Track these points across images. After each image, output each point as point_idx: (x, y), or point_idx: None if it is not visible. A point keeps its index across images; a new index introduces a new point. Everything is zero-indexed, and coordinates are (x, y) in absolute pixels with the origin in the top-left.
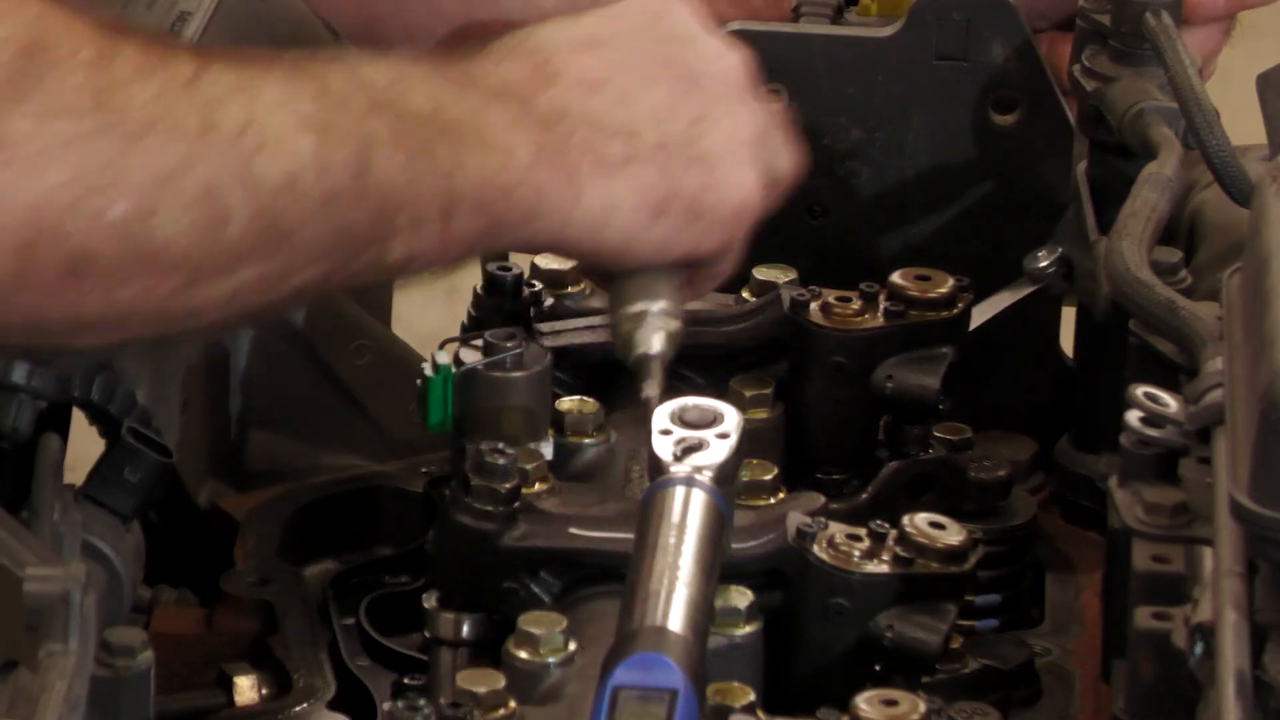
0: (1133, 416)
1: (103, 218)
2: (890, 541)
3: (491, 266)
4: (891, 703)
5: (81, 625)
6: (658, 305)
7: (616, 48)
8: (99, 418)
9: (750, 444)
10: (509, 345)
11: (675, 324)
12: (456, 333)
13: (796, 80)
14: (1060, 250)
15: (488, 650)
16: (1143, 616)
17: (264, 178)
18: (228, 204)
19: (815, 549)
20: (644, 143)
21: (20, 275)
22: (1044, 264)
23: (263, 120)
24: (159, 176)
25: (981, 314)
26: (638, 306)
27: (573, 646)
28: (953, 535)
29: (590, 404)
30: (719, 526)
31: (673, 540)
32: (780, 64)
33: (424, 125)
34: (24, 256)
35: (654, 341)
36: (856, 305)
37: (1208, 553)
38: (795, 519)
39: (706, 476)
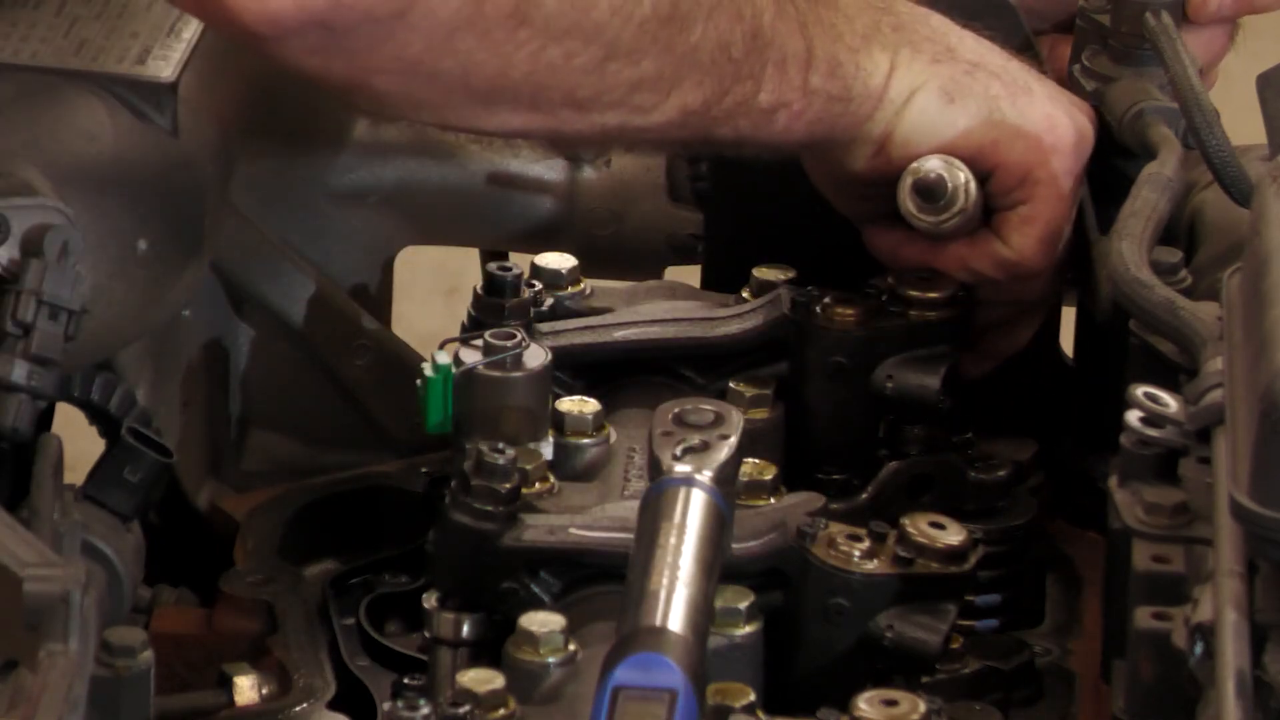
0: (1133, 416)
1: None
2: (890, 541)
3: (492, 266)
4: (891, 703)
5: (81, 625)
6: None
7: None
8: (99, 418)
9: (750, 444)
10: (509, 345)
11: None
12: (456, 333)
13: None
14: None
15: (488, 650)
16: (1143, 616)
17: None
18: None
19: (815, 549)
20: (960, 55)
21: (474, 4)
22: None
23: None
24: None
25: None
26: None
27: (573, 646)
28: (953, 535)
29: (590, 404)
30: (719, 526)
31: (673, 540)
32: None
33: None
34: None
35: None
36: (856, 305)
37: (1208, 553)
38: (795, 519)
39: (706, 476)
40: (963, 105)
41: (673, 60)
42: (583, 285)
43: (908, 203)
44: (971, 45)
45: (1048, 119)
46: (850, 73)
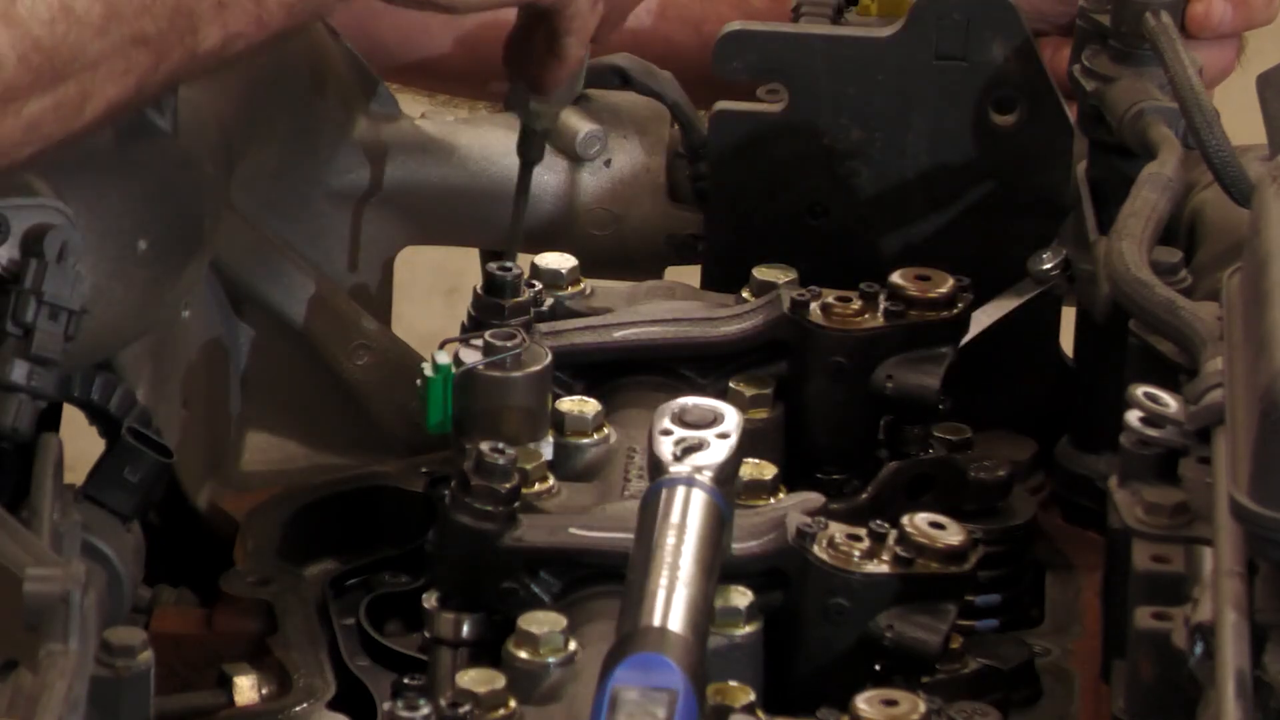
0: (1133, 416)
1: None
2: (890, 541)
3: (492, 266)
4: (891, 703)
5: (81, 625)
6: None
7: None
8: (99, 418)
9: (750, 444)
10: (509, 345)
11: None
12: (456, 333)
13: (796, 80)
14: (1064, 252)
15: (488, 650)
16: (1143, 616)
17: (31, 11)
18: None
19: (815, 549)
20: None
21: None
22: (1048, 265)
23: None
24: None
25: (987, 316)
26: None
27: (573, 646)
28: (953, 535)
29: (590, 404)
30: (719, 526)
31: (673, 540)
32: (780, 64)
33: None
34: None
35: None
36: (856, 305)
37: (1208, 553)
38: (795, 519)
39: (706, 476)
40: None
41: (71, 86)
42: (583, 285)
43: None
44: None
45: None
46: None
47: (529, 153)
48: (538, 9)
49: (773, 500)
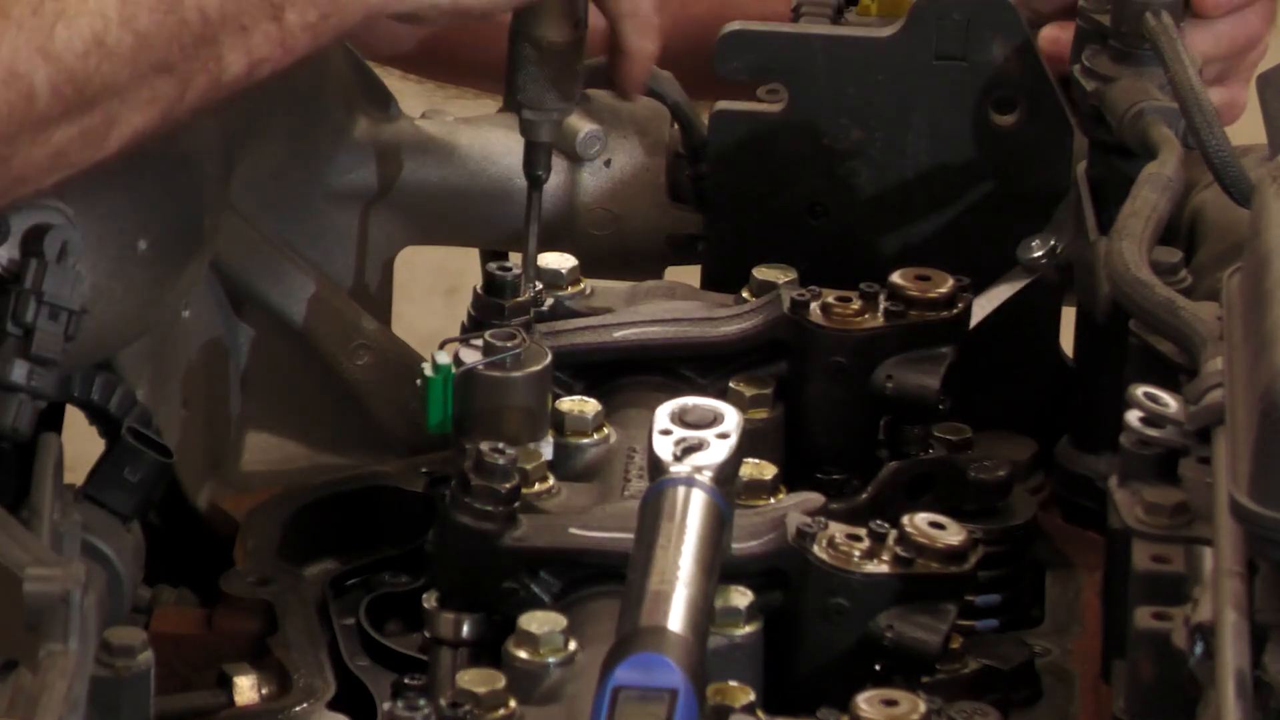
0: (1133, 416)
1: None
2: (890, 541)
3: (492, 266)
4: (891, 703)
5: (81, 625)
6: None
7: None
8: (99, 418)
9: (750, 444)
10: (509, 345)
11: None
12: (456, 333)
13: (796, 80)
14: (1053, 240)
15: (488, 650)
16: (1143, 616)
17: (68, 44)
18: (31, 79)
19: (815, 549)
20: None
21: None
22: (1037, 253)
23: None
24: None
25: (980, 308)
26: None
27: (573, 646)
28: (953, 535)
29: (590, 404)
30: (719, 526)
31: (673, 540)
32: (780, 64)
33: None
34: None
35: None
36: (856, 305)
37: (1208, 553)
38: (795, 519)
39: (706, 476)
40: None
41: (99, 114)
42: (583, 285)
43: None
44: None
45: None
46: None
47: (535, 168)
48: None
49: (773, 500)
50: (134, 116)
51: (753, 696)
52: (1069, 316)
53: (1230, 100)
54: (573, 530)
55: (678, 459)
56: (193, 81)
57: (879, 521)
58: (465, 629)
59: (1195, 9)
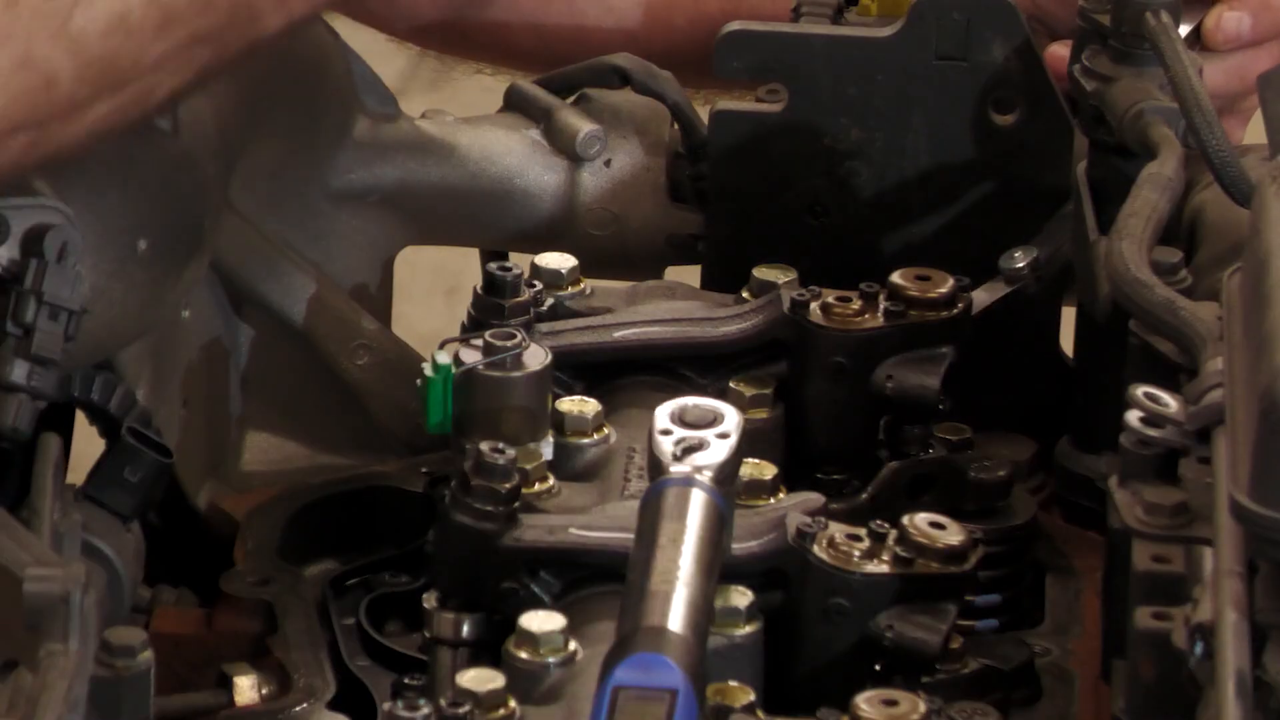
0: (1133, 416)
1: None
2: (890, 541)
3: (492, 266)
4: (891, 703)
5: (81, 625)
6: None
7: None
8: (99, 418)
9: (750, 444)
10: (509, 345)
11: None
12: (456, 333)
13: (796, 80)
14: (1036, 252)
15: (488, 650)
16: (1143, 616)
17: (85, 28)
18: (51, 66)
19: (815, 549)
20: None
21: None
22: (1019, 264)
23: None
24: None
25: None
26: None
27: (573, 646)
28: (953, 535)
29: (590, 404)
30: (719, 526)
31: (673, 540)
32: (780, 64)
33: None
34: None
35: None
36: (856, 305)
37: (1208, 553)
38: (795, 519)
39: (706, 476)
40: None
41: (134, 88)
42: (583, 285)
43: None
44: None
45: None
46: None
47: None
48: None
49: (773, 500)
50: (169, 82)
51: (753, 696)
52: (1069, 316)
53: None
54: (573, 530)
55: (678, 459)
56: (230, 46)
57: (879, 521)
58: (465, 629)
59: (1204, 42)
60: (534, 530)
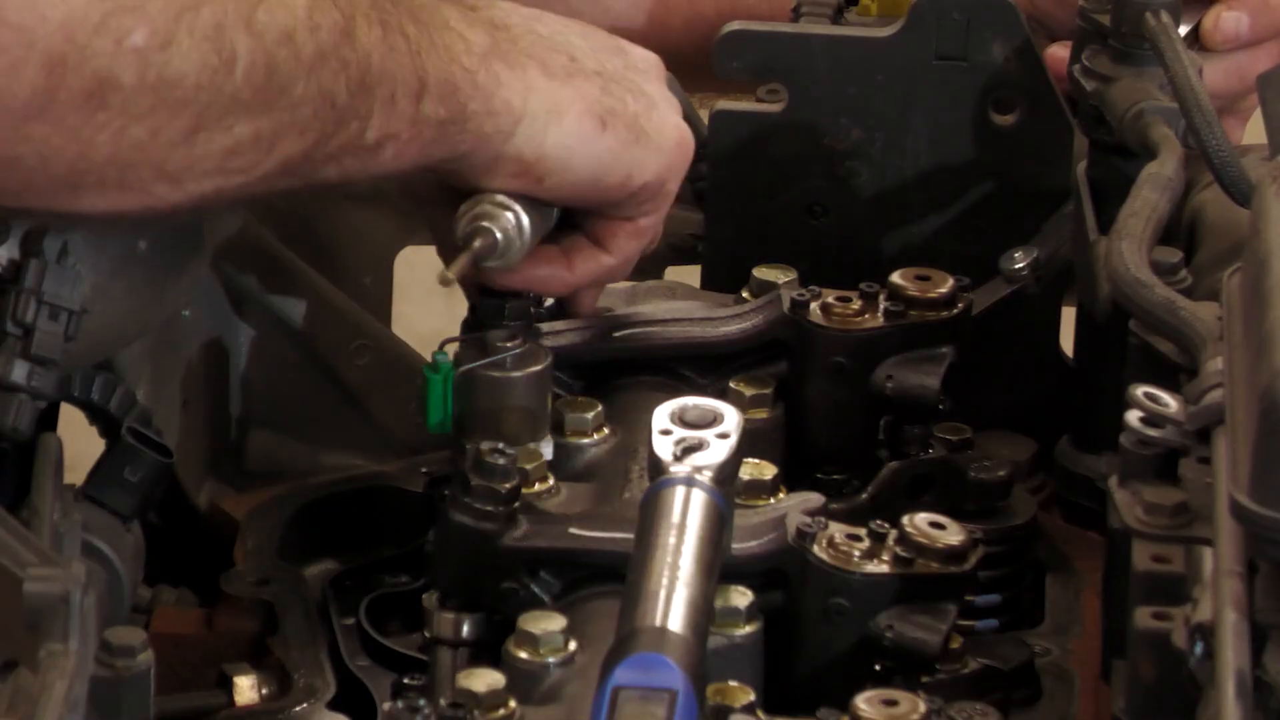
0: (1133, 416)
1: (125, 42)
2: (890, 541)
3: None
4: (891, 703)
5: (81, 625)
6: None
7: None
8: (99, 418)
9: (750, 444)
10: (509, 345)
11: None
12: (456, 333)
13: (796, 80)
14: (1036, 253)
15: (488, 650)
16: (1143, 616)
17: (266, 27)
18: (235, 46)
19: (815, 549)
20: (584, 65)
21: (46, 94)
22: (1019, 264)
23: None
24: (176, 7)
25: None
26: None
27: (573, 646)
28: (953, 535)
29: (590, 404)
30: (719, 526)
31: (673, 540)
32: (780, 64)
33: (395, 3)
34: (52, 74)
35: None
36: (856, 305)
37: (1208, 553)
38: (795, 519)
39: (706, 476)
40: (613, 130)
41: (270, 120)
42: None
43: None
44: (583, 47)
45: (677, 131)
46: (468, 94)
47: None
48: None
49: (773, 500)
50: (291, 138)
51: (753, 696)
52: (1069, 316)
53: None
54: (573, 530)
55: (678, 459)
56: (343, 127)
57: (879, 521)
58: (465, 629)
59: (1203, 42)
60: (534, 530)
